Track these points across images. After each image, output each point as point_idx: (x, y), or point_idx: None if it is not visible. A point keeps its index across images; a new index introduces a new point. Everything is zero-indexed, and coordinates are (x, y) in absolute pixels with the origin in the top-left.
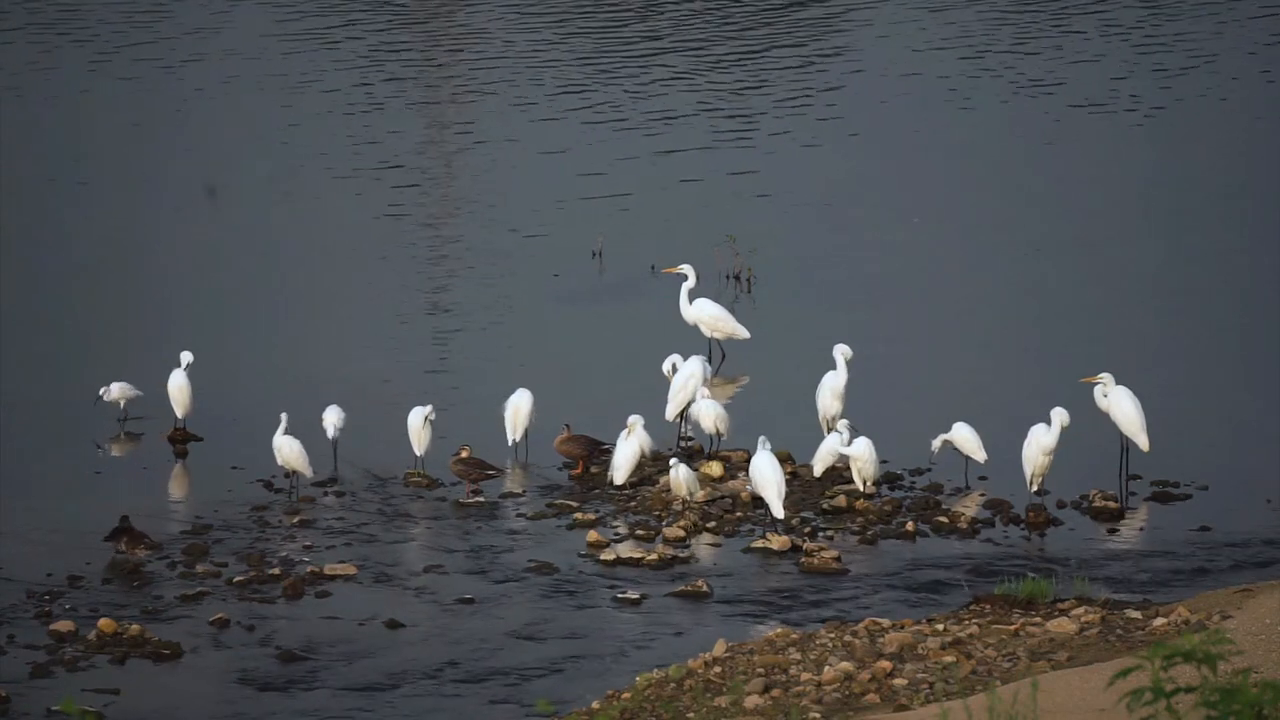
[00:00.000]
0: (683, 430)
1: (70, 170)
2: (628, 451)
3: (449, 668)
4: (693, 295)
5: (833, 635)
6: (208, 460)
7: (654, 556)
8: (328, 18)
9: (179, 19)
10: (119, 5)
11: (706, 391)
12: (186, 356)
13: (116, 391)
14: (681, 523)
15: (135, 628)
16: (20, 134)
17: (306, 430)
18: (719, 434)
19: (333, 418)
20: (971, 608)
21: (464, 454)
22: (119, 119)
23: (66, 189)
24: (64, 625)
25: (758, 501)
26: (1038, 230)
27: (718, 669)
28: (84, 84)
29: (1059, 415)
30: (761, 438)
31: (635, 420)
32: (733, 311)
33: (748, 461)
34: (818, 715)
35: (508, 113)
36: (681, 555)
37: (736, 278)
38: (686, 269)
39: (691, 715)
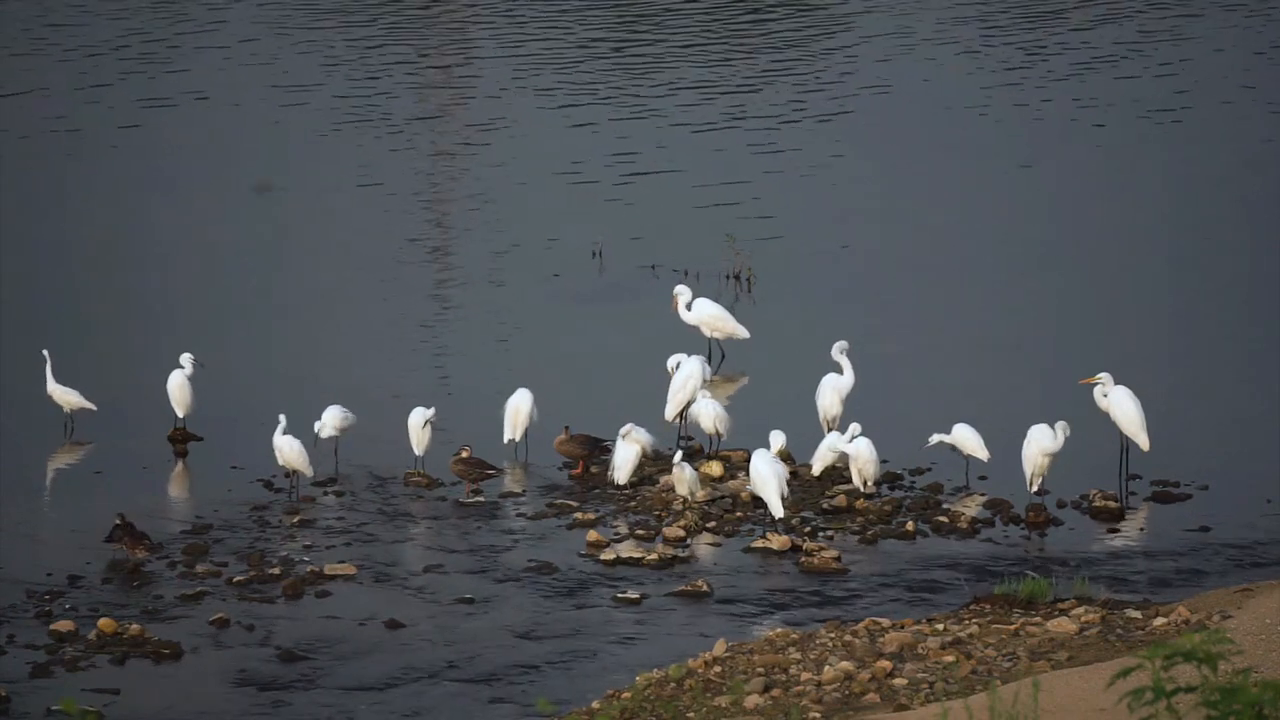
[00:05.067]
0: (682, 430)
1: (70, 170)
2: (629, 451)
3: (449, 668)
4: (689, 302)
5: (833, 635)
6: (208, 460)
7: (654, 556)
8: (326, 17)
9: (178, 20)
10: (119, 8)
11: (706, 392)
12: (186, 358)
13: (65, 395)
14: (681, 523)
15: (135, 628)
16: (21, 134)
17: (307, 430)
18: (718, 434)
19: (327, 418)
20: (971, 608)
21: (464, 454)
22: (119, 120)
23: (67, 189)
24: (64, 625)
25: (758, 501)
26: (1038, 231)
27: (718, 669)
28: (84, 85)
29: (1061, 428)
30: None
31: (630, 429)
32: (733, 311)
33: (748, 461)
34: (818, 715)
35: (508, 112)
36: (681, 555)
37: (736, 278)
38: (682, 289)
39: (691, 715)
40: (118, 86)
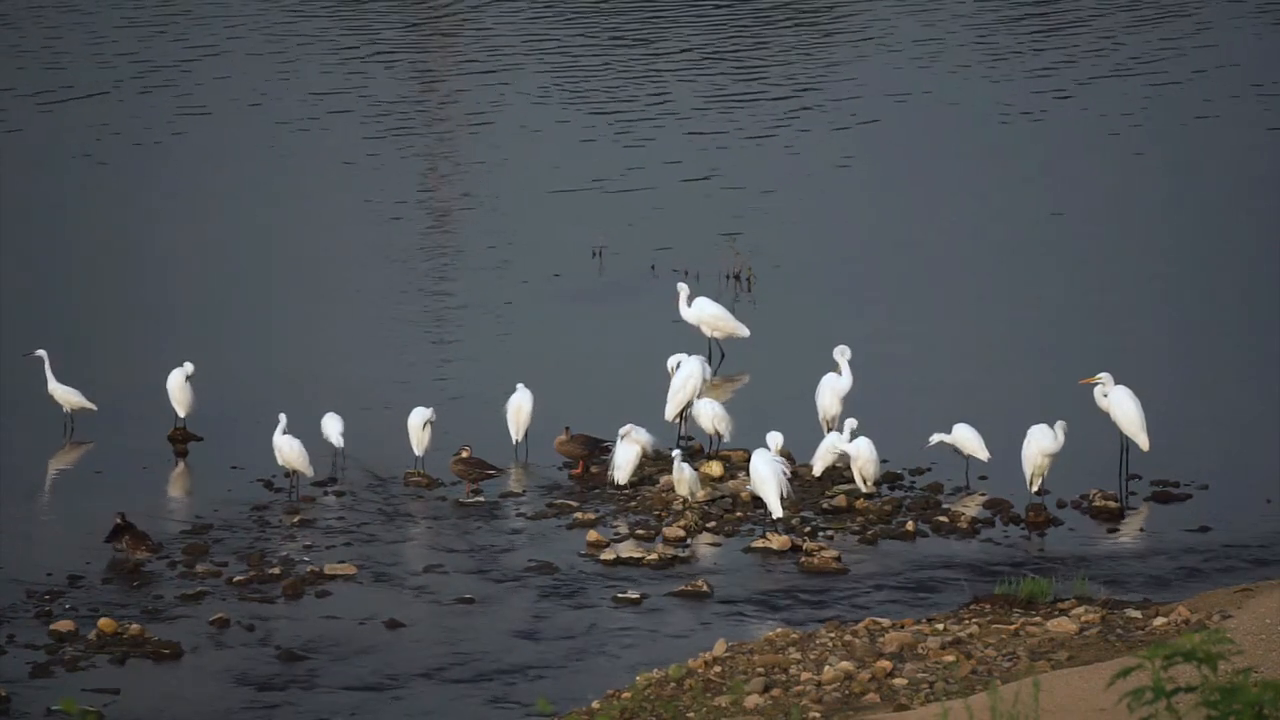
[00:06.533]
0: (682, 430)
1: (71, 170)
2: (629, 451)
3: (449, 668)
4: (691, 297)
5: (833, 635)
6: (208, 460)
7: (654, 556)
8: (326, 17)
9: (176, 20)
10: (120, 9)
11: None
12: (188, 367)
13: (66, 394)
14: (681, 523)
15: (135, 628)
16: (22, 133)
17: (306, 431)
18: (718, 434)
19: (335, 426)
20: (971, 608)
21: (464, 454)
22: (118, 120)
23: (68, 189)
24: (64, 625)
25: (758, 501)
26: (1039, 231)
27: (718, 669)
28: (85, 86)
29: (1060, 427)
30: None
31: (630, 429)
32: (732, 311)
33: (748, 461)
34: (818, 715)
35: (507, 112)
36: (681, 555)
37: (736, 278)
38: (682, 285)
39: (691, 715)
40: (128, 93)
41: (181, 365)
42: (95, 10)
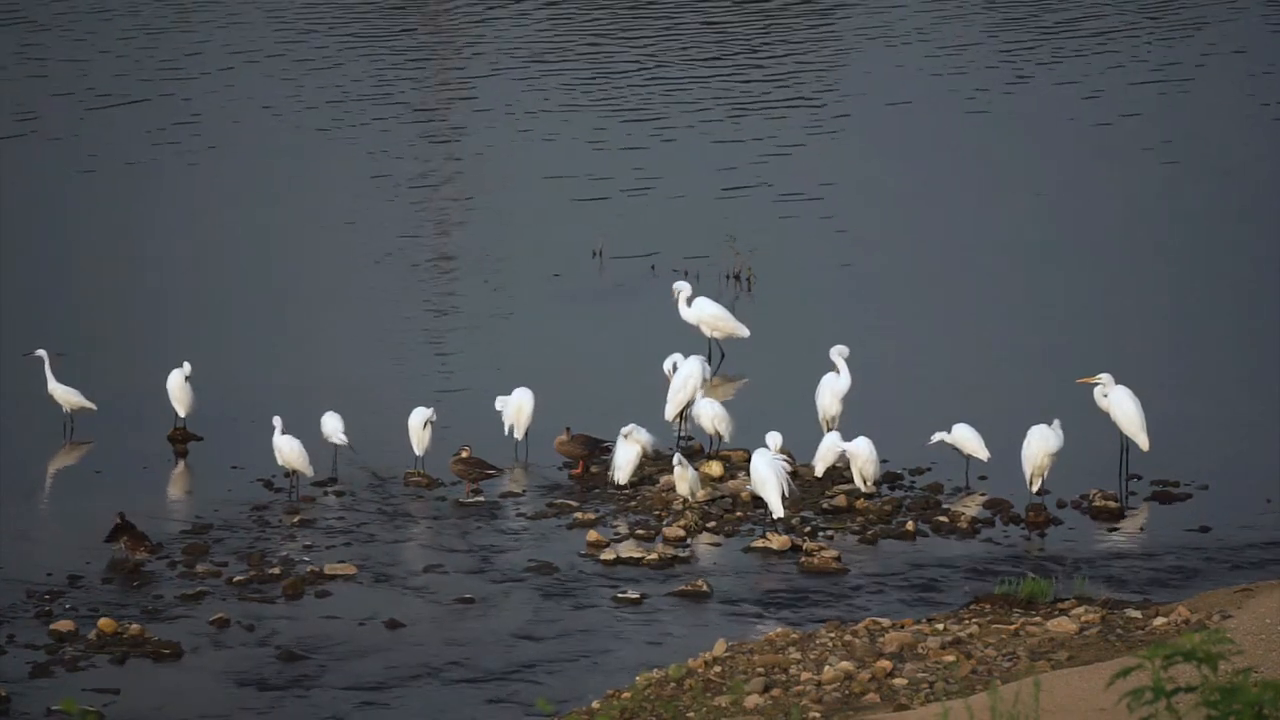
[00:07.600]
0: (682, 430)
1: (71, 169)
2: (629, 451)
3: (449, 668)
4: (690, 297)
5: (833, 635)
6: (208, 460)
7: (654, 556)
8: (324, 18)
9: (174, 21)
10: (136, 14)
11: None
12: (187, 367)
13: (66, 394)
14: (681, 523)
15: (135, 628)
16: (22, 131)
17: (305, 431)
18: (718, 434)
19: (334, 424)
20: (971, 608)
21: (464, 454)
22: (122, 123)
23: (68, 187)
24: (64, 625)
25: (758, 501)
26: (1039, 231)
27: (718, 669)
28: (87, 85)
29: (1056, 424)
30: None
31: (631, 429)
32: (733, 311)
33: (748, 461)
34: (818, 715)
35: (507, 112)
36: (681, 555)
37: (736, 278)
38: (682, 285)
39: (691, 715)
40: (132, 97)
41: (181, 365)
42: (110, 17)
